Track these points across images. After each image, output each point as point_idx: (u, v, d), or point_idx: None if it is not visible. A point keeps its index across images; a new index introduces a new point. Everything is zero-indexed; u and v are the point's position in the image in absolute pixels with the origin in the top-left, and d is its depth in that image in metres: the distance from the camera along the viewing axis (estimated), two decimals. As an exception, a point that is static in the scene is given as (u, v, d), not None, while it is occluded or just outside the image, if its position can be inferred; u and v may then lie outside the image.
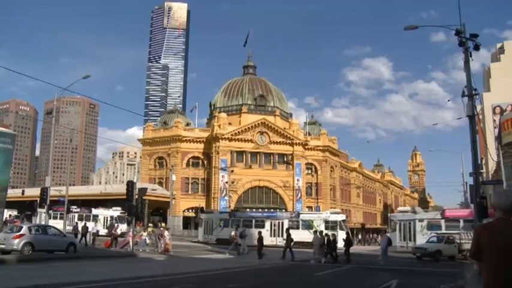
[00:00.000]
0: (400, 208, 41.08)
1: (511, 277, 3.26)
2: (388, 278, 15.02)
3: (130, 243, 26.87)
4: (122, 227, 38.35)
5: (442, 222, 30.97)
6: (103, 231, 38.70)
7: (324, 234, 24.45)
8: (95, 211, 48.04)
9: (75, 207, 48.61)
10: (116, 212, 47.11)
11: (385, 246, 22.91)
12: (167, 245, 26.61)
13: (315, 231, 26.29)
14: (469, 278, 13.61)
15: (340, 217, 38.69)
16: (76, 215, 46.71)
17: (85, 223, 33.28)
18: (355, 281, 15.86)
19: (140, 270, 16.99)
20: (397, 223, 34.19)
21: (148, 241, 28.46)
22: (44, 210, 30.05)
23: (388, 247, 23.35)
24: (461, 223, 29.75)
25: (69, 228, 34.31)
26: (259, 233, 26.02)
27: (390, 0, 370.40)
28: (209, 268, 18.24)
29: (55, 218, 44.82)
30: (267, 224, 39.47)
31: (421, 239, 29.56)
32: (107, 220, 45.65)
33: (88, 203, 61.43)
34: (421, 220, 31.96)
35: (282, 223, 38.69)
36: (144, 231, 29.94)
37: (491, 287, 3.36)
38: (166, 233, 27.81)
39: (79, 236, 29.83)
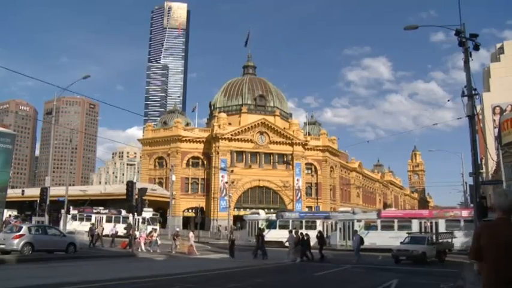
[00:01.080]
0: (340, 209, 41.11)
1: (511, 277, 3.26)
2: (388, 278, 15.02)
3: (142, 244, 26.88)
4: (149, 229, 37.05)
5: (378, 222, 31.96)
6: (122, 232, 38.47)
7: (299, 233, 24.52)
8: (124, 213, 45.00)
9: (102, 208, 47.68)
10: (147, 213, 44.02)
11: (357, 245, 23.42)
12: (191, 247, 26.46)
13: (290, 231, 26.04)
14: (469, 278, 13.62)
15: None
16: (104, 216, 45.07)
17: (98, 224, 32.92)
18: (355, 281, 15.86)
19: (140, 270, 16.99)
20: (338, 223, 34.86)
21: (159, 242, 28.19)
22: (66, 212, 30.43)
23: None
24: (396, 223, 31.13)
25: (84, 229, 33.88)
26: (306, 235, 24.53)
27: (390, 0, 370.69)
28: (209, 268, 18.25)
29: (81, 219, 44.13)
30: (319, 224, 35.94)
31: (383, 240, 29.91)
32: (138, 222, 43.99)
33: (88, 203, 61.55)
34: (359, 220, 32.92)
35: (336, 223, 35.18)
36: (155, 232, 29.61)
37: (491, 287, 3.37)
38: (191, 234, 27.86)
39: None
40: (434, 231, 28.33)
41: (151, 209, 46.08)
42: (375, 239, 29.96)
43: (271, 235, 35.18)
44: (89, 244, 28.36)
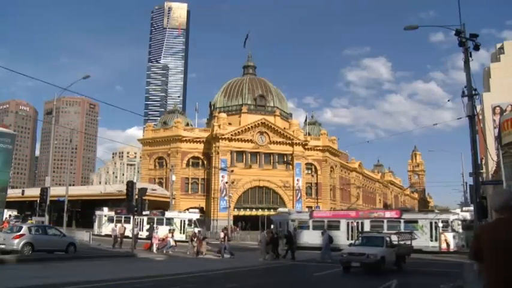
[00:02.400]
0: (279, 209, 42.17)
1: (511, 277, 3.26)
2: (388, 278, 15.02)
3: (155, 245, 26.64)
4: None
5: (310, 222, 33.43)
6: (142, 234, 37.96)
7: (272, 233, 25.18)
8: (168, 214, 42.86)
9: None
10: (194, 214, 42.18)
11: (326, 244, 23.73)
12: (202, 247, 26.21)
13: (262, 230, 26.72)
14: (469, 278, 13.62)
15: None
16: (145, 218, 41.60)
17: (122, 225, 31.63)
18: (355, 281, 15.86)
19: (140, 270, 16.99)
20: (276, 223, 36.53)
21: (172, 243, 27.95)
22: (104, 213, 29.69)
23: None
24: (326, 223, 32.67)
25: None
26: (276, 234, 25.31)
27: (389, 1, 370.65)
28: (209, 268, 18.24)
29: (118, 221, 39.93)
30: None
31: (313, 239, 30.77)
32: (183, 224, 40.49)
33: (88, 203, 61.59)
34: (293, 220, 34.38)
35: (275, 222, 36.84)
36: (170, 232, 29.21)
37: (491, 287, 3.36)
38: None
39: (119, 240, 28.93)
40: (360, 230, 29.85)
41: (197, 210, 45.11)
42: (307, 237, 31.78)
43: (306, 238, 32.97)
44: (113, 245, 28.01)
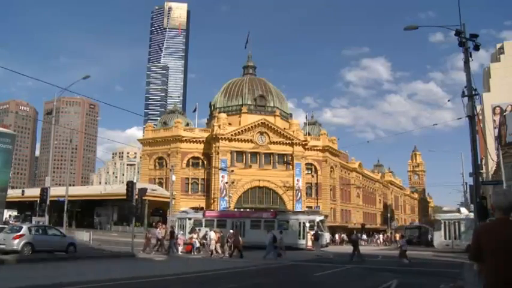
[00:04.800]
0: (182, 209, 43.83)
1: (511, 277, 3.26)
2: (388, 278, 15.02)
3: (179, 246, 26.53)
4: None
5: (203, 220, 37.03)
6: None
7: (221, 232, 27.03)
8: (283, 215, 39.20)
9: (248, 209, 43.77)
10: (317, 216, 38.39)
11: (270, 243, 24.52)
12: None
13: (220, 231, 28.21)
14: (469, 278, 13.62)
15: (318, 218, 37.06)
16: (248, 221, 37.78)
17: (172, 228, 30.04)
18: (355, 281, 15.86)
19: (140, 270, 17.00)
20: (177, 220, 40.23)
21: (198, 244, 27.85)
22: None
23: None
24: (215, 222, 36.45)
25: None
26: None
27: (388, 1, 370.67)
28: (209, 268, 18.25)
29: (209, 225, 36.55)
30: (247, 223, 35.96)
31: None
32: (303, 227, 36.22)
33: (88, 203, 61.61)
34: (190, 219, 38.41)
35: (176, 221, 39.09)
36: (194, 234, 28.97)
37: (491, 287, 3.37)
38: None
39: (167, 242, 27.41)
40: (242, 229, 33.08)
41: (319, 210, 43.70)
42: (201, 234, 33.06)
43: None
44: (154, 247, 27.22)
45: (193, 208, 44.76)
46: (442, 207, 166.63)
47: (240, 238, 25.87)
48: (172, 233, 26.94)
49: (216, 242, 25.45)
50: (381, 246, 53.45)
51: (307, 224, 35.13)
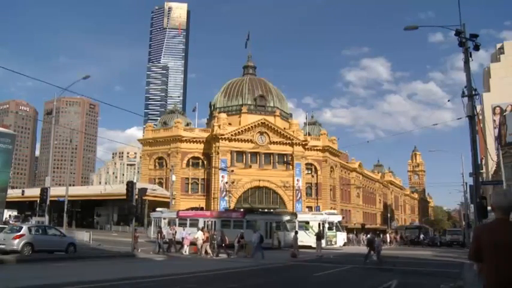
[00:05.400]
0: (157, 209, 44.16)
1: (511, 277, 3.26)
2: (388, 278, 15.02)
3: (185, 246, 26.30)
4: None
5: (177, 220, 37.95)
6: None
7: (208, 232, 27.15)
8: (303, 216, 39.45)
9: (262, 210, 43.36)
10: (335, 216, 38.28)
11: (257, 242, 24.59)
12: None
13: (203, 230, 28.17)
14: (469, 278, 13.62)
15: (284, 218, 37.97)
16: (294, 224, 37.05)
17: (159, 228, 29.36)
18: (355, 281, 15.86)
19: (140, 270, 16.99)
20: (152, 220, 41.01)
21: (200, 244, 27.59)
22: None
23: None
24: (188, 221, 37.75)
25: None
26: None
27: (388, 1, 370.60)
28: (209, 268, 18.24)
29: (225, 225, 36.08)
30: (218, 223, 36.83)
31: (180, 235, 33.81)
32: (322, 227, 35.86)
33: (88, 203, 61.65)
34: (164, 218, 39.42)
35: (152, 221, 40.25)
36: (204, 234, 28.85)
37: (491, 287, 3.36)
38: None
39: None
40: (214, 228, 34.02)
41: (335, 211, 43.02)
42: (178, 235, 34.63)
43: None
44: (166, 249, 26.92)
45: (193, 208, 44.79)
46: (442, 207, 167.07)
47: (226, 237, 26.17)
48: (160, 232, 26.77)
49: (204, 242, 25.26)
50: (389, 245, 53.29)
51: (326, 225, 36.04)
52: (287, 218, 37.48)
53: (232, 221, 36.39)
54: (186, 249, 26.49)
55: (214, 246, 25.84)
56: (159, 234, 26.59)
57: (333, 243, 36.89)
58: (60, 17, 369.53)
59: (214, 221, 36.89)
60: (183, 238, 27.16)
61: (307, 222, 37.32)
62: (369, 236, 28.21)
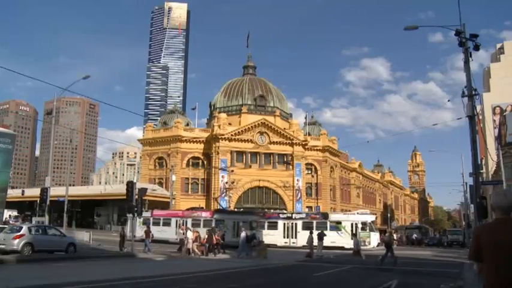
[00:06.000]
0: None
1: (511, 277, 3.26)
2: (388, 278, 15.02)
3: (194, 247, 26.06)
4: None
5: (151, 219, 39.32)
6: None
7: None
8: (334, 216, 38.95)
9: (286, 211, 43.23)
10: (367, 216, 37.42)
11: (242, 242, 25.14)
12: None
13: (188, 230, 28.61)
14: (469, 278, 13.62)
15: (250, 218, 38.85)
16: (299, 222, 37.79)
17: (147, 227, 28.97)
18: (355, 281, 15.86)
19: (140, 270, 16.99)
20: (128, 219, 40.94)
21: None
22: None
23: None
24: (161, 220, 40.12)
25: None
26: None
27: (388, 1, 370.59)
28: (209, 268, 18.24)
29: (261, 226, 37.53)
30: (189, 222, 37.93)
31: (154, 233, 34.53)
32: (355, 228, 35.38)
33: (88, 203, 61.61)
34: (140, 217, 39.85)
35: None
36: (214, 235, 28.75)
37: (491, 287, 3.36)
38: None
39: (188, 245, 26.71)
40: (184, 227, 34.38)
41: (367, 211, 42.24)
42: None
43: None
44: (178, 249, 27.02)
45: (193, 208, 44.93)
46: (442, 207, 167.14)
47: (214, 236, 26.43)
48: (147, 232, 26.67)
49: (193, 241, 25.38)
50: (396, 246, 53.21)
51: (359, 225, 35.61)
52: (253, 217, 38.67)
53: (202, 220, 38.06)
54: (195, 250, 26.41)
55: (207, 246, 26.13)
56: (145, 234, 26.53)
57: (366, 244, 35.20)
58: (60, 17, 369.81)
59: (186, 221, 37.96)
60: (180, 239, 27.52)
61: (339, 223, 36.54)
62: (385, 237, 27.29)
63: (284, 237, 38.70)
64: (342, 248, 33.17)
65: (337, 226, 36.18)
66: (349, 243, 32.78)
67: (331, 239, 34.24)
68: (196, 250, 25.59)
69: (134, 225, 29.19)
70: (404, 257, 27.49)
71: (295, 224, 38.54)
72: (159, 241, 33.79)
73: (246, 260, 23.16)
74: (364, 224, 36.62)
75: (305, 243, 34.95)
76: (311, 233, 28.54)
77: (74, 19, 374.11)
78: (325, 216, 38.82)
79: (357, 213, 41.10)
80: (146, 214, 40.95)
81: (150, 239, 26.53)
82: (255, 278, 15.68)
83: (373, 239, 37.20)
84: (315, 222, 36.69)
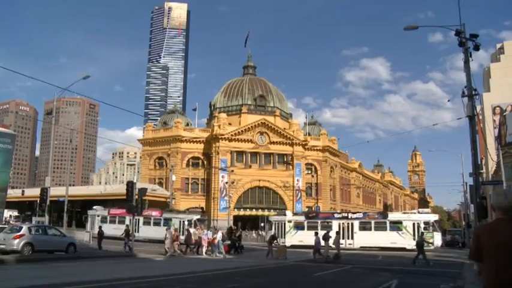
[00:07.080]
0: (94, 207, 46.93)
1: (511, 277, 3.25)
2: (388, 278, 15.02)
3: (204, 247, 26.35)
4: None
5: (108, 217, 41.64)
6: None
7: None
8: (394, 216, 37.25)
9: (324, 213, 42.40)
10: (430, 216, 35.77)
11: (219, 240, 25.56)
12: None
13: (168, 228, 29.15)
14: (469, 278, 13.61)
15: (195, 217, 39.24)
16: (356, 222, 35.99)
17: (127, 227, 28.53)
18: (355, 281, 15.85)
19: (140, 270, 16.99)
20: (89, 217, 44.70)
21: (221, 246, 26.96)
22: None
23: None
24: (117, 219, 41.00)
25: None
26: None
27: (388, 1, 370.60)
28: (209, 268, 18.24)
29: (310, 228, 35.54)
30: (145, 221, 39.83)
31: (110, 231, 35.56)
32: (417, 228, 33.55)
33: (88, 203, 61.52)
34: (98, 215, 43.11)
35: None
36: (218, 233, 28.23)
37: (491, 287, 3.36)
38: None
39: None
40: (137, 225, 36.23)
41: (429, 210, 41.00)
42: (107, 229, 34.66)
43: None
44: (196, 250, 27.23)
45: (193, 208, 45.06)
46: (442, 207, 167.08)
47: (192, 236, 27.24)
48: (127, 231, 26.56)
49: (174, 241, 25.54)
50: None
51: (186, 222, 36.91)
52: (197, 216, 39.48)
53: (152, 219, 39.89)
54: (203, 250, 26.50)
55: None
56: (125, 233, 26.60)
57: (429, 245, 32.53)
58: (60, 17, 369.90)
59: (138, 219, 38.11)
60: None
61: (400, 222, 34.62)
62: (417, 239, 26.40)
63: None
64: (404, 249, 31.16)
65: (397, 226, 34.29)
66: (410, 244, 30.90)
67: (391, 239, 33.06)
68: (177, 249, 25.84)
69: (133, 225, 29.18)
70: (404, 257, 27.48)
71: (352, 224, 36.07)
72: (111, 238, 33.25)
73: (223, 258, 24.19)
74: (427, 223, 34.18)
75: (362, 245, 34.50)
76: (338, 233, 26.80)
77: (74, 19, 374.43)
78: (384, 215, 37.03)
79: (418, 212, 38.69)
80: (103, 212, 43.75)
81: (129, 239, 26.07)
82: (255, 278, 15.67)
83: (437, 239, 34.88)
84: (373, 222, 34.74)
